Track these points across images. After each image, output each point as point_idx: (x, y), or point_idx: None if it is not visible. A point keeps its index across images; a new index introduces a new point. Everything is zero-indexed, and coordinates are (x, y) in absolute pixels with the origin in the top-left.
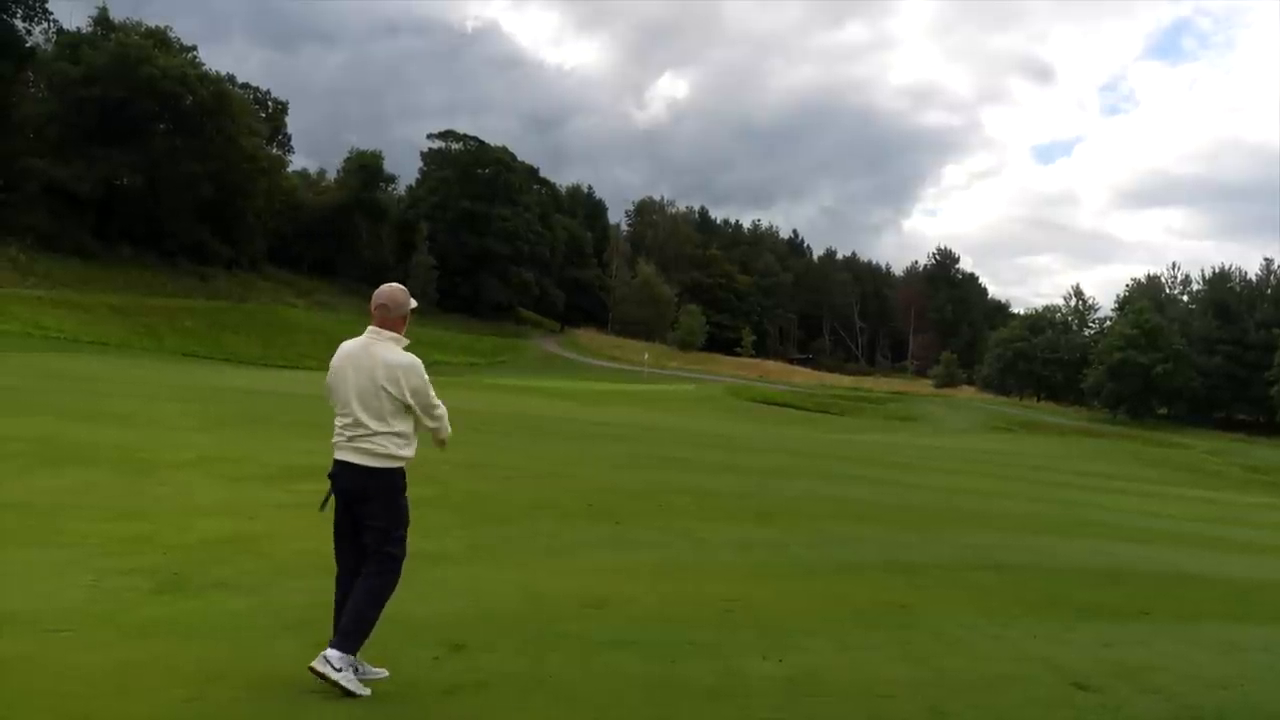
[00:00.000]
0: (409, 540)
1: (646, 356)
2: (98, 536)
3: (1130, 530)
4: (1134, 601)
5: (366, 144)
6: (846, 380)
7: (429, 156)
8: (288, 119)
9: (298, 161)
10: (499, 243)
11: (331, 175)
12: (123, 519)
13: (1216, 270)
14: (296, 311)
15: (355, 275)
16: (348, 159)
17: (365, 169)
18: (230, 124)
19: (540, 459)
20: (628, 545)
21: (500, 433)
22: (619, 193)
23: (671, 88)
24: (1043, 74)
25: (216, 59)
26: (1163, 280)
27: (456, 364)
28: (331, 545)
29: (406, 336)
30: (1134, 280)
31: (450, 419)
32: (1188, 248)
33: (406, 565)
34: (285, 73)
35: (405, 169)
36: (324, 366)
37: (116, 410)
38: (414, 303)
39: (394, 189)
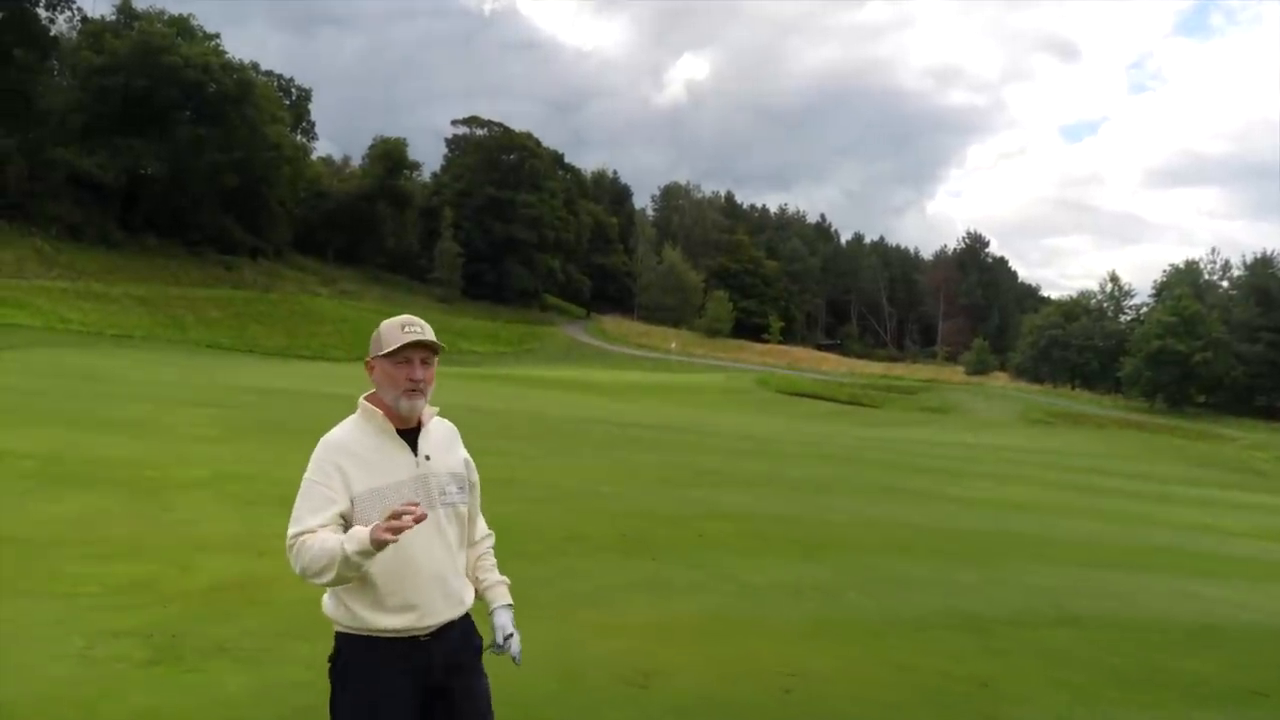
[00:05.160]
0: None
1: (674, 345)
2: (95, 582)
3: (1204, 560)
4: (1243, 674)
5: (387, 129)
6: (876, 367)
7: (453, 142)
8: (311, 106)
9: (321, 148)
10: (524, 229)
11: (356, 162)
12: (124, 558)
13: (1258, 255)
14: (321, 301)
15: (380, 263)
16: (372, 146)
17: (389, 156)
18: (254, 112)
19: (570, 474)
20: (667, 590)
21: (527, 439)
22: (640, 176)
23: (691, 69)
24: (1068, 52)
25: (234, 44)
26: (1201, 265)
27: (483, 353)
28: None
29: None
30: (1172, 266)
31: (473, 423)
32: (1218, 228)
33: None
34: (303, 58)
35: (427, 154)
36: (349, 357)
37: (129, 416)
38: (388, 341)
39: (418, 175)
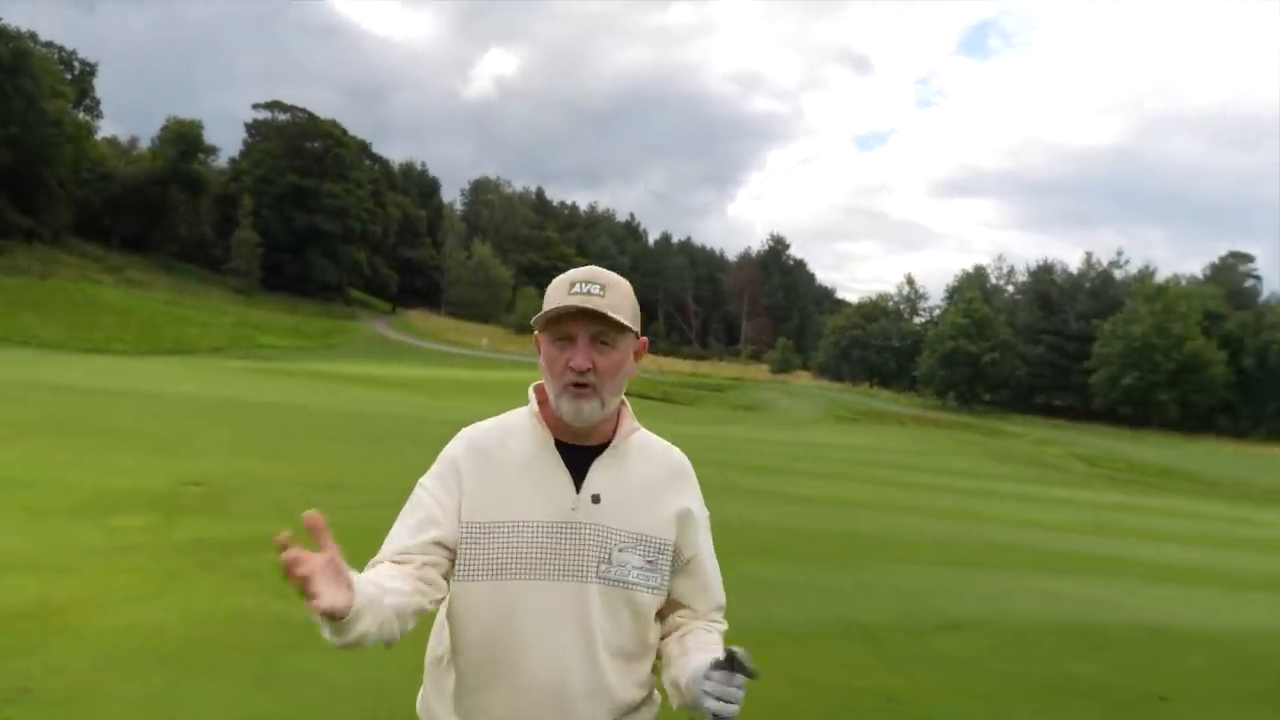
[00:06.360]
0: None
1: (485, 341)
2: None
3: (1050, 556)
4: (1139, 677)
5: (179, 112)
6: (684, 365)
7: (253, 127)
8: (96, 82)
9: (106, 128)
10: (329, 219)
11: (146, 144)
12: None
13: (1040, 263)
14: (104, 289)
15: (171, 251)
16: (165, 127)
17: (183, 138)
18: (31, 84)
19: (404, 476)
20: None
21: (348, 439)
22: (448, 170)
23: (499, 64)
24: (861, 65)
25: (9, 12)
26: (989, 271)
27: (283, 347)
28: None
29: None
30: (963, 270)
31: (289, 419)
32: (994, 237)
33: (266, 654)
34: (86, 32)
35: (223, 139)
36: (136, 351)
37: None
38: (546, 305)
39: (214, 160)
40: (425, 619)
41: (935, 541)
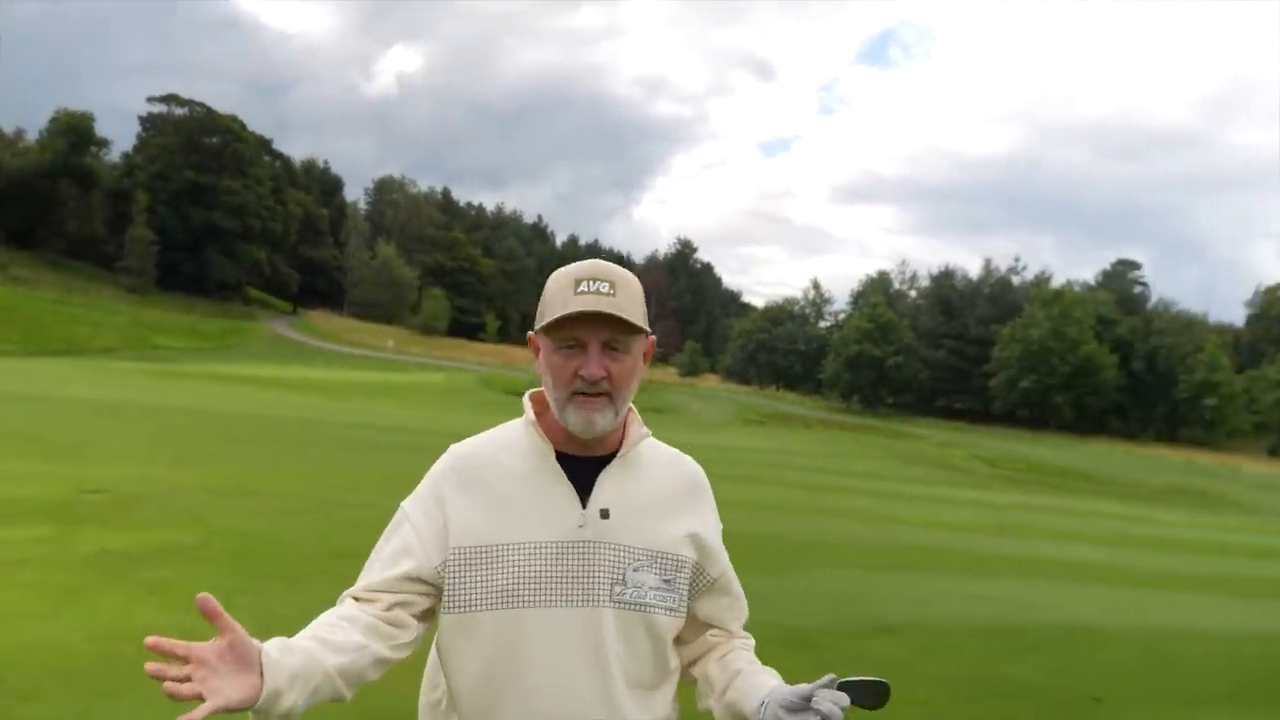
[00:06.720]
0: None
1: (391, 343)
2: None
3: (967, 558)
4: (1070, 678)
5: (68, 104)
6: None
7: (148, 121)
8: None
9: None
10: (227, 217)
11: (32, 136)
12: None
13: (942, 269)
14: None
15: (59, 248)
16: (54, 119)
17: (73, 130)
18: None
19: (315, 481)
20: None
21: (254, 443)
22: (349, 168)
23: (402, 61)
24: (765, 71)
25: None
26: (892, 276)
27: (179, 348)
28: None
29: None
30: (867, 276)
31: (191, 422)
32: (893, 243)
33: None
34: None
35: (116, 133)
36: (20, 351)
37: None
38: (549, 307)
39: (107, 154)
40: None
41: (859, 545)
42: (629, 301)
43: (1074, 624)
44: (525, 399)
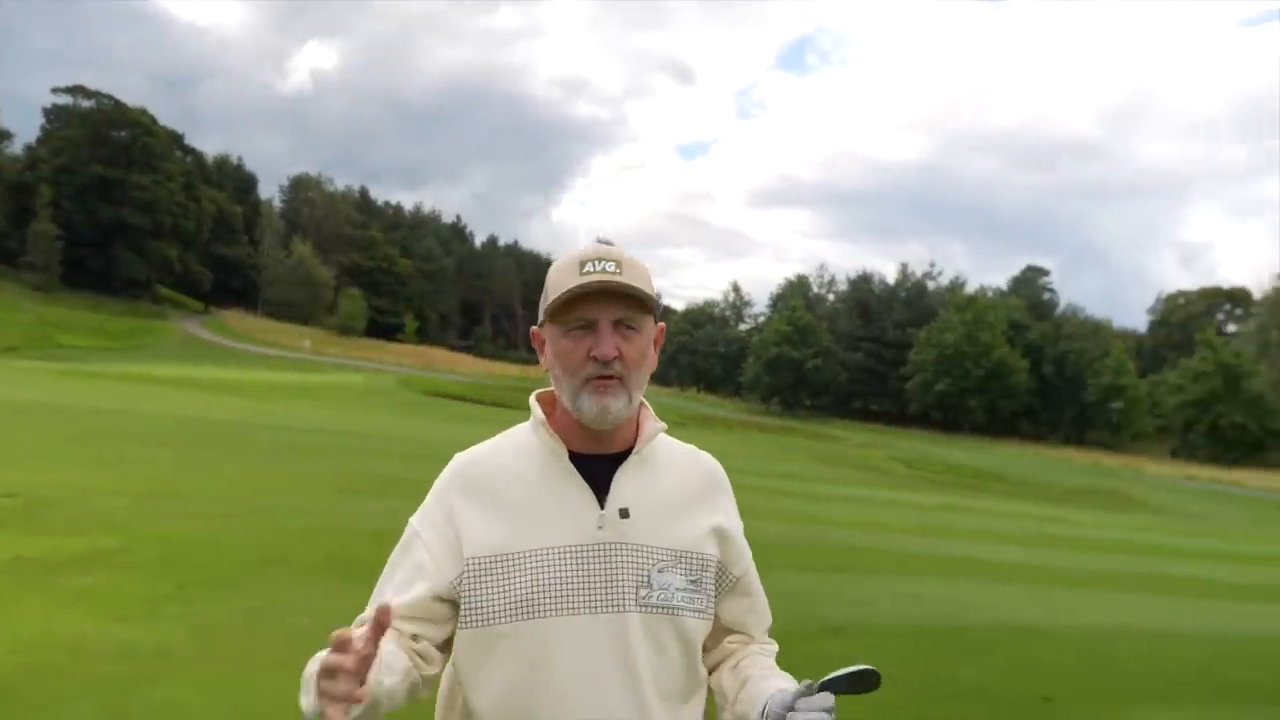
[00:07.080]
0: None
1: (308, 343)
2: None
3: (893, 558)
4: (1018, 678)
5: None
6: (512, 369)
7: (53, 113)
8: None
9: None
10: (136, 213)
11: None
12: None
13: (860, 273)
14: None
15: None
16: None
17: None
18: None
19: (239, 484)
20: None
21: (173, 446)
22: (263, 165)
23: (317, 57)
24: (684, 75)
25: None
26: (811, 280)
27: (86, 348)
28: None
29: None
30: (786, 279)
31: (102, 424)
32: (808, 246)
33: (117, 685)
34: None
35: (16, 124)
36: None
37: None
38: (555, 288)
39: (8, 147)
40: None
41: (790, 546)
42: (637, 280)
43: (1013, 624)
44: (532, 400)
